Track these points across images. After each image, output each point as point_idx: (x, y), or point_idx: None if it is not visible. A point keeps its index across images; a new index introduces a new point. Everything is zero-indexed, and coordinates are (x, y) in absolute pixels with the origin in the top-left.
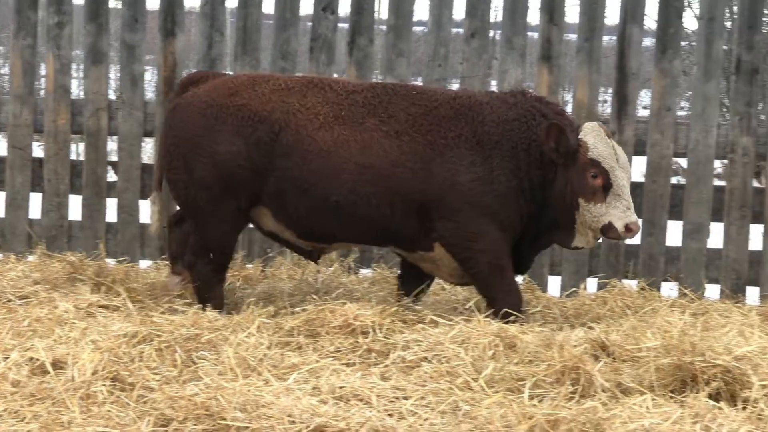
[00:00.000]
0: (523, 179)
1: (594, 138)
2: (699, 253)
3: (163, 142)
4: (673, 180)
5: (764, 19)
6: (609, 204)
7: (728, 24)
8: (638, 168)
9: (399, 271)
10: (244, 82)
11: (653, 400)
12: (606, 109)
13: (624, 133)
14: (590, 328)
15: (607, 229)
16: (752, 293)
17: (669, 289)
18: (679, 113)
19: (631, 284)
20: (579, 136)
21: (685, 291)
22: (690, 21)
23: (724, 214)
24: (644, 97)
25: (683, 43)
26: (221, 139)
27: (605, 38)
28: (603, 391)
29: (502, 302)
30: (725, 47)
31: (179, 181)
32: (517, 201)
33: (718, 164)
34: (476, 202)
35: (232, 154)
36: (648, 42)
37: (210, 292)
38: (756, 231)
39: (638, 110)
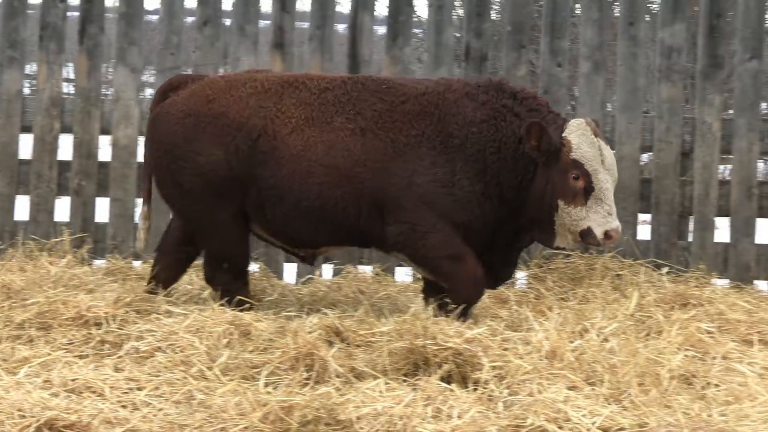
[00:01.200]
0: (490, 183)
1: (579, 137)
2: None
3: (148, 155)
4: None
5: (494, 6)
6: (590, 208)
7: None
8: None
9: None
10: (221, 87)
11: (386, 383)
12: None
13: None
14: (325, 314)
15: (586, 235)
16: None
17: (404, 274)
18: None
19: (366, 270)
20: (563, 134)
21: (419, 276)
22: (422, 9)
23: None
24: None
25: (416, 31)
26: (200, 149)
27: (339, 26)
28: (337, 376)
29: (463, 294)
30: (457, 35)
31: (171, 196)
32: (480, 206)
33: None
34: (433, 205)
35: (212, 165)
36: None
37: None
38: None
39: None
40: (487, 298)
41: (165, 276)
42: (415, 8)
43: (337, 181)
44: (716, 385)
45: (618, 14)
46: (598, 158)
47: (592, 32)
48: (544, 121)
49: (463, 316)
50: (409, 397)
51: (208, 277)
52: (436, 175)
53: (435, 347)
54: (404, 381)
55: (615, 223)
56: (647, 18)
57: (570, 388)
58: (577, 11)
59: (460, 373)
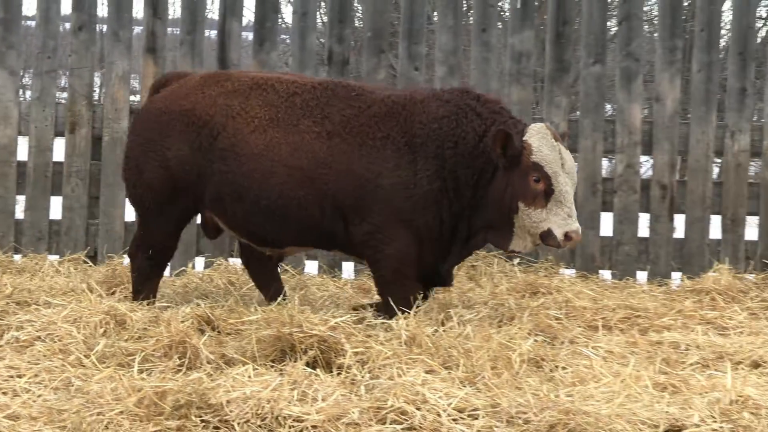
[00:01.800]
0: (447, 179)
1: (539, 140)
2: None
3: (126, 146)
4: None
5: (356, 14)
6: (550, 210)
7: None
8: None
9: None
10: (194, 85)
11: (255, 369)
12: None
13: None
14: (197, 304)
15: (546, 236)
16: (347, 268)
17: None
18: None
19: (236, 262)
20: (524, 138)
21: (286, 267)
22: (288, 16)
23: None
24: None
25: (283, 36)
26: (170, 144)
27: (209, 32)
28: (208, 362)
29: (391, 311)
30: (322, 40)
31: (130, 180)
32: (437, 204)
33: None
34: (395, 207)
35: (178, 159)
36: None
37: (144, 284)
38: None
39: None
40: (350, 288)
41: (262, 281)
42: (281, 15)
43: (300, 182)
44: (564, 368)
45: (472, 21)
46: (558, 161)
47: (447, 38)
48: (506, 126)
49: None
50: (276, 382)
51: (131, 252)
52: (399, 177)
53: (301, 334)
54: (272, 366)
55: (575, 225)
56: (499, 25)
57: (428, 372)
58: (434, 18)
59: (325, 358)
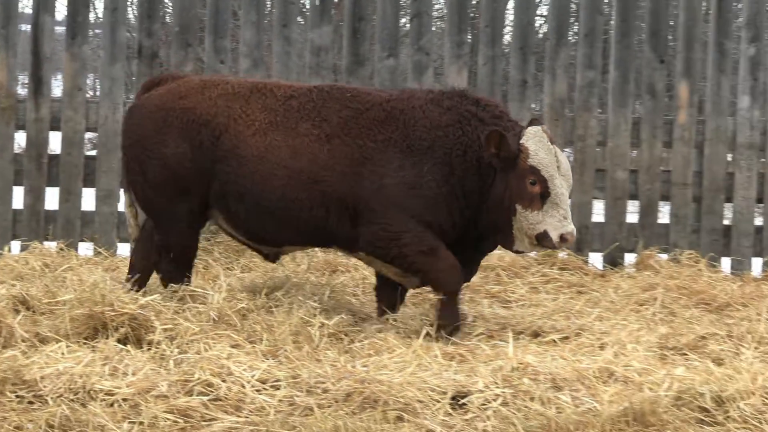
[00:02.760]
0: (456, 185)
1: (536, 144)
2: (111, 215)
3: (123, 145)
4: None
5: (167, 9)
6: (546, 212)
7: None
8: (55, 142)
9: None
10: (194, 87)
11: (68, 346)
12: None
13: (40, 111)
14: (12, 285)
15: (542, 238)
16: None
17: (85, 248)
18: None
19: (51, 245)
20: (521, 141)
21: (99, 250)
22: (100, 10)
23: None
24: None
25: (98, 31)
26: (168, 141)
27: (22, 26)
28: (23, 341)
29: (444, 283)
30: (134, 34)
31: (136, 183)
32: (448, 207)
33: None
34: (400, 205)
35: (178, 156)
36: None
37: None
38: None
39: (53, 90)
40: None
41: (142, 265)
42: (95, 10)
43: (303, 184)
44: (361, 341)
45: (274, 17)
46: (554, 164)
47: (251, 33)
48: (504, 129)
49: (453, 305)
50: (89, 358)
51: (155, 261)
52: (404, 178)
53: (112, 313)
54: (85, 344)
55: (570, 227)
56: (300, 21)
57: (233, 347)
58: (239, 14)
59: (135, 335)
